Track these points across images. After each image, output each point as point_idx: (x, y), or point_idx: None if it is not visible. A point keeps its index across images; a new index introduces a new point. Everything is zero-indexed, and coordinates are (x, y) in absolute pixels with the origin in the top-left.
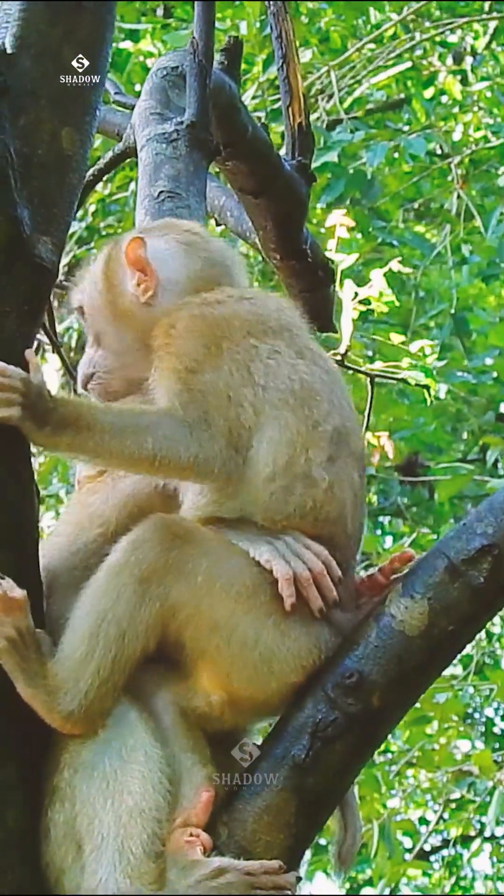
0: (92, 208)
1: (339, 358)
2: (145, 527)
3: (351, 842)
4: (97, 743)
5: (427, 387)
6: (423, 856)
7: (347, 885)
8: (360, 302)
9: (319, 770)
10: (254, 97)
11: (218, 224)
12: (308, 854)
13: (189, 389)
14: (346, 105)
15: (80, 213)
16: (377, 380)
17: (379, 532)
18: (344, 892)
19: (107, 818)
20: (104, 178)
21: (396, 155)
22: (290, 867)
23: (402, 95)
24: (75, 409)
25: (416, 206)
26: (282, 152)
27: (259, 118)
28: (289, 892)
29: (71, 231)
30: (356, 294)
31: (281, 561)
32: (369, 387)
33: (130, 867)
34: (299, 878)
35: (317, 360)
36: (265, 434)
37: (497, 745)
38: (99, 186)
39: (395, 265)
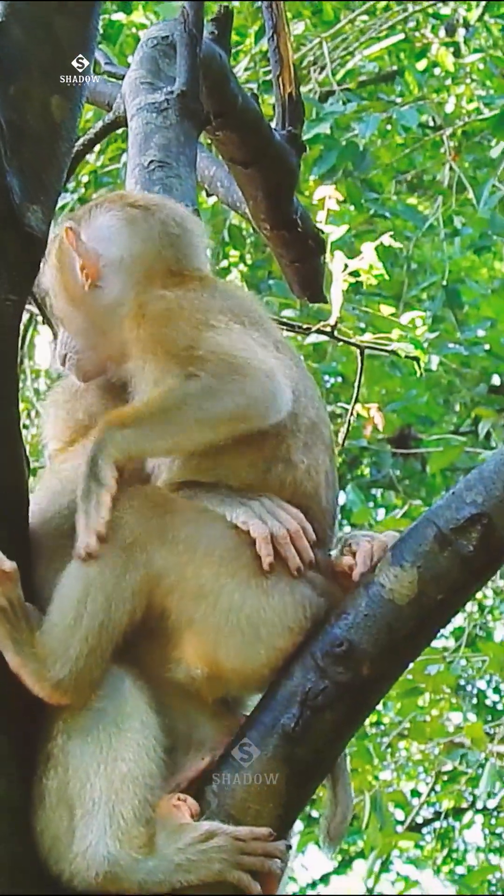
0: (84, 179)
1: (329, 329)
2: (124, 496)
3: (341, 818)
4: (92, 710)
5: (417, 358)
6: (415, 828)
7: (339, 858)
8: (351, 274)
9: (309, 739)
10: (246, 69)
11: (209, 194)
12: (300, 825)
13: (193, 360)
14: (338, 77)
15: (72, 184)
16: (368, 352)
17: (371, 504)
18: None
19: (99, 783)
20: (96, 150)
21: (389, 127)
22: (280, 836)
23: (395, 67)
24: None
25: (408, 177)
26: (273, 123)
27: (251, 89)
28: (278, 859)
29: (63, 202)
30: (346, 266)
31: (257, 521)
32: (360, 358)
33: (121, 831)
34: (289, 847)
35: (288, 353)
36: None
37: (489, 718)
38: (91, 157)
39: (386, 239)
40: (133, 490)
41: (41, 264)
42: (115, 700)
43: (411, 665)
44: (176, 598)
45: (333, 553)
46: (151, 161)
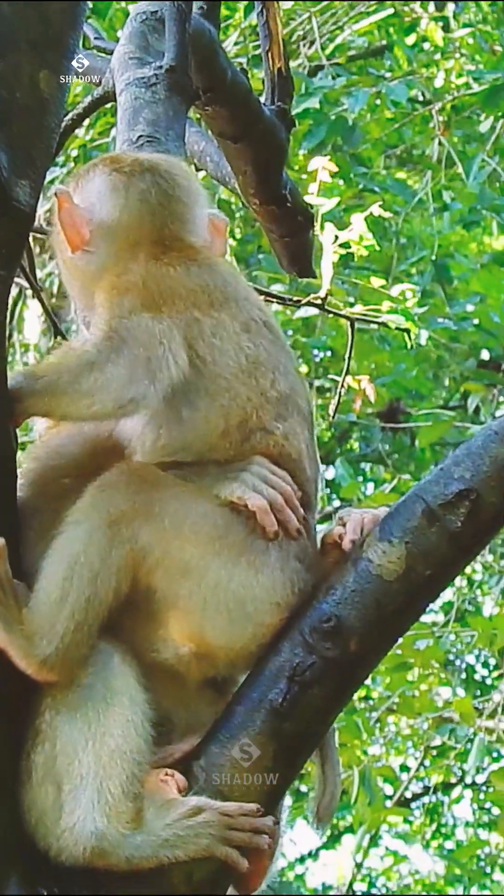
0: (74, 153)
1: (319, 302)
2: (112, 472)
3: (330, 797)
4: (81, 686)
5: (407, 330)
6: (404, 803)
7: (328, 833)
8: (341, 245)
9: (297, 714)
10: (235, 43)
11: (198, 169)
12: (289, 800)
13: (112, 331)
14: (327, 52)
15: (61, 158)
16: (358, 325)
17: (361, 479)
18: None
19: (87, 759)
20: (86, 125)
21: (378, 102)
22: (268, 812)
23: (384, 42)
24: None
25: (397, 152)
26: (262, 98)
27: (240, 64)
28: (266, 835)
29: (53, 176)
30: (336, 238)
31: (253, 493)
32: (350, 330)
33: (108, 806)
34: (277, 822)
35: (261, 331)
36: (216, 402)
37: (478, 693)
38: (80, 132)
39: (375, 209)
40: (123, 465)
41: (28, 239)
42: (104, 676)
43: (400, 640)
44: (161, 574)
45: (324, 527)
46: (140, 136)
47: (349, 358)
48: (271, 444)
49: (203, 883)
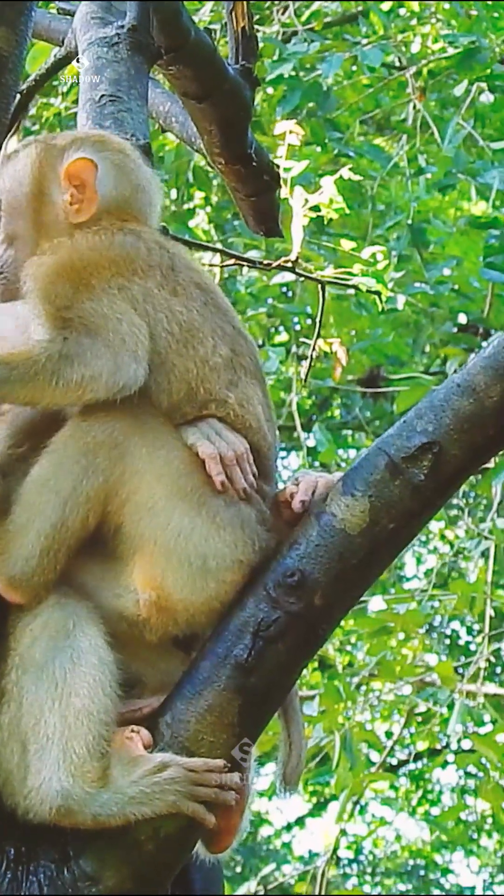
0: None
1: (290, 265)
2: (93, 407)
3: (296, 762)
4: (48, 646)
5: (378, 293)
6: (389, 769)
7: (314, 800)
8: (311, 209)
9: (262, 669)
10: (212, 11)
11: (163, 130)
12: (272, 767)
13: (65, 322)
14: (302, 18)
15: (35, 126)
16: (335, 292)
17: (342, 448)
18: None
19: (53, 719)
20: (62, 93)
21: (355, 68)
22: (234, 768)
23: (360, 8)
24: None
25: (374, 118)
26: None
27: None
28: (233, 791)
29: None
30: (307, 201)
31: (206, 441)
32: (321, 293)
33: (73, 766)
34: (243, 778)
35: (191, 294)
36: (153, 377)
37: (462, 658)
38: (58, 101)
39: (346, 173)
40: (106, 404)
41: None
42: (71, 636)
43: (384, 606)
44: (129, 511)
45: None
46: (103, 95)
47: (320, 321)
48: (229, 413)
49: (170, 838)
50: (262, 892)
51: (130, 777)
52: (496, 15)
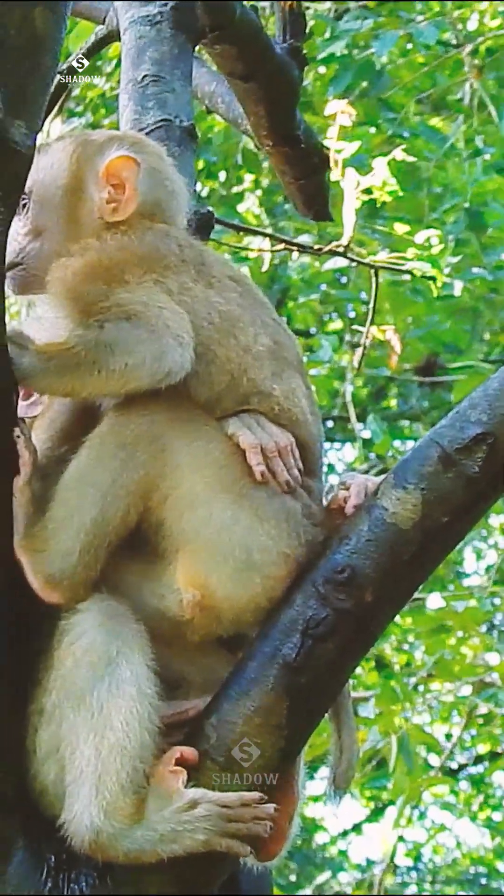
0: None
1: (341, 250)
2: (130, 400)
3: (346, 765)
4: (88, 672)
5: (433, 278)
6: (449, 773)
7: (371, 805)
8: (364, 191)
9: (311, 669)
10: None
11: (209, 111)
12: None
13: (100, 310)
14: None
15: (79, 108)
16: (391, 278)
17: (399, 438)
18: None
19: (87, 751)
20: (106, 73)
21: (409, 46)
22: (283, 770)
23: None
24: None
25: (429, 98)
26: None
27: (261, 9)
28: (269, 824)
29: (72, 127)
30: (358, 183)
31: (247, 431)
32: (374, 279)
33: (105, 802)
34: (264, 800)
35: (227, 286)
36: (193, 368)
37: None
38: (100, 82)
39: (399, 154)
40: (144, 397)
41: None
42: (113, 664)
43: (443, 604)
44: (170, 506)
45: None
46: (145, 76)
47: (374, 308)
48: (273, 406)
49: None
50: None
51: (163, 813)
52: None
